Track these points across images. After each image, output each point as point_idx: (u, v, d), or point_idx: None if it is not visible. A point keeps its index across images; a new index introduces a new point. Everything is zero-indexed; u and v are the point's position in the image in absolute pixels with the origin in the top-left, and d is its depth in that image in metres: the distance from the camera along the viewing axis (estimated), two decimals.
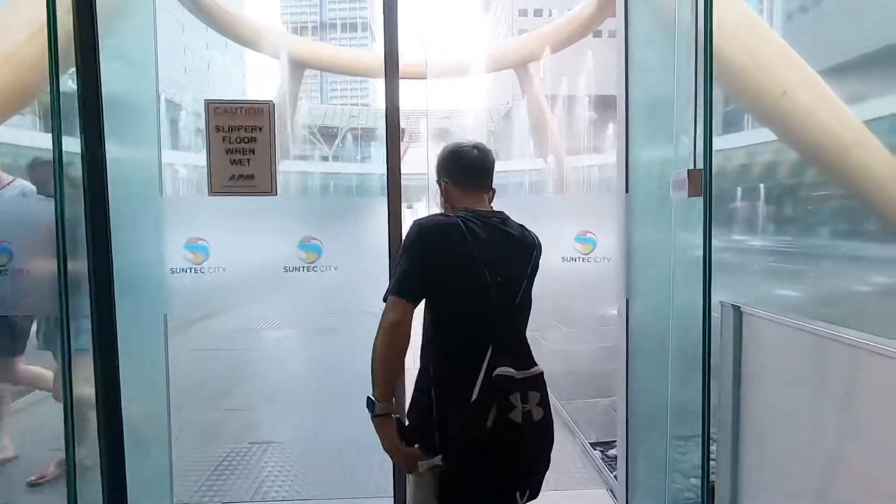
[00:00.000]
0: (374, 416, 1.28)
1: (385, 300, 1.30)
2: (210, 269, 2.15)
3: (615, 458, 2.80)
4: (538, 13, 56.67)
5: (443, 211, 1.52)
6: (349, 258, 2.25)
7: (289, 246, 2.19)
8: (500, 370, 1.22)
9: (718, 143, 2.46)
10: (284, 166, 37.59)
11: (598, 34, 51.74)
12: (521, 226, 1.51)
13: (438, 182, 1.55)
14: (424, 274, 1.30)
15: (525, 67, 28.25)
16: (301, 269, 2.22)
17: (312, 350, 5.92)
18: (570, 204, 3.04)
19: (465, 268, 1.30)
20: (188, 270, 2.16)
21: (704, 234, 1.90)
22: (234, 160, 2.05)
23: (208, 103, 2.05)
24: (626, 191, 2.47)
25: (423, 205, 37.80)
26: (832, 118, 4.69)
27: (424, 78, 30.71)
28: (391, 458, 1.33)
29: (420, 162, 53.34)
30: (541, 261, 1.50)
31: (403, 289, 1.28)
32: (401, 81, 2.07)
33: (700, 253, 1.91)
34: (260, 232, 2.23)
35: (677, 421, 2.17)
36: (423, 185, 44.13)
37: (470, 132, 60.88)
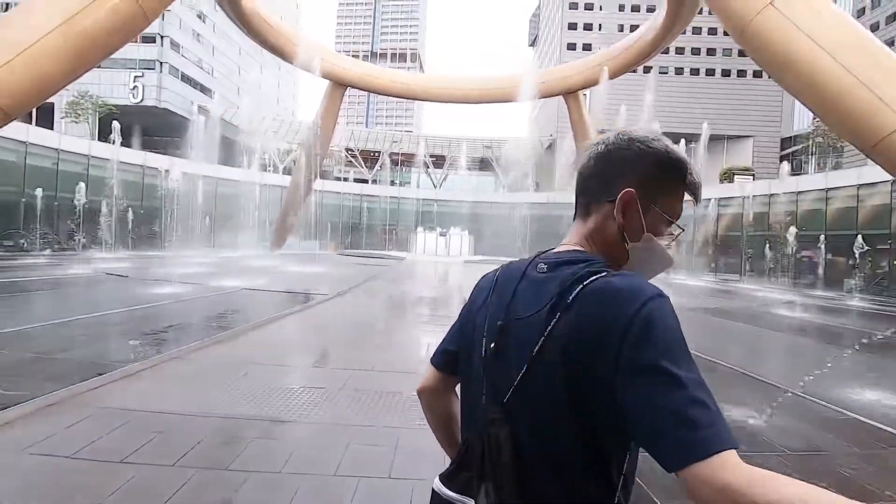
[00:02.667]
0: None
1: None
2: None
3: None
4: (588, 48, 56.29)
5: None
6: None
7: None
8: None
9: None
10: (322, 185, 37.68)
11: (647, 69, 50.96)
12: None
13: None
14: None
15: (575, 95, 27.27)
16: None
17: None
18: None
19: None
20: None
21: None
22: None
23: None
24: None
25: (456, 232, 37.01)
26: None
27: (462, 102, 30.21)
28: None
29: (460, 189, 53.11)
30: None
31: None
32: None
33: None
34: None
35: None
36: (463, 212, 43.60)
37: (512, 162, 60.35)
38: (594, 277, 0.81)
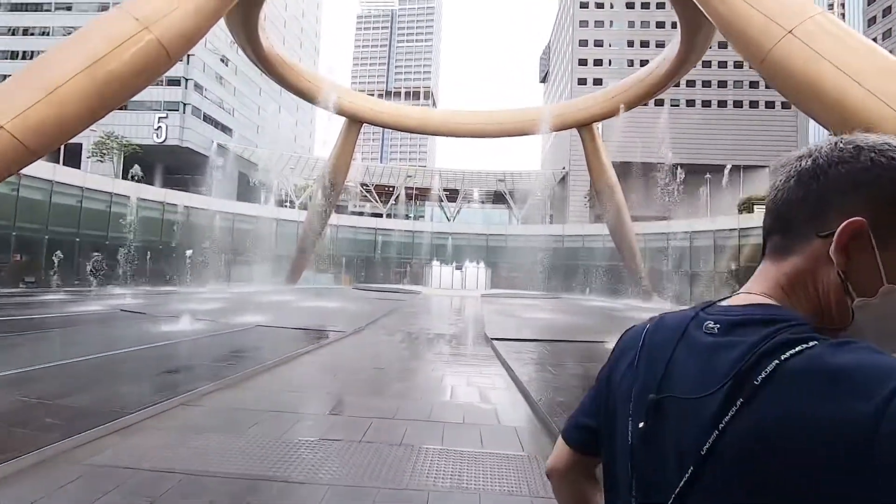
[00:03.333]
0: None
1: None
2: None
3: None
4: (598, 82, 57.10)
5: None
6: None
7: None
8: None
9: None
10: (337, 219, 37.92)
11: (659, 102, 51.32)
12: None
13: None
14: None
15: (589, 127, 27.30)
16: None
17: None
18: None
19: None
20: None
21: None
22: None
23: None
24: None
25: (472, 265, 36.62)
26: None
27: (478, 136, 30.45)
28: None
29: (474, 222, 53.14)
30: None
31: None
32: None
33: None
34: None
35: None
36: (477, 245, 43.38)
37: (526, 195, 60.46)
38: (799, 348, 0.54)
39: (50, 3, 48.14)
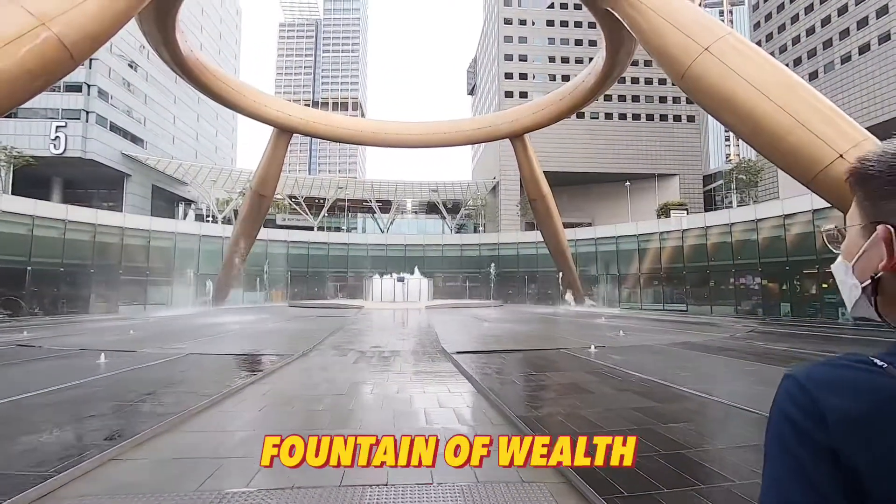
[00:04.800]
0: None
1: None
2: None
3: None
4: (524, 95, 59.25)
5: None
6: None
7: None
8: None
9: None
10: (266, 234, 35.97)
11: (581, 115, 54.07)
12: None
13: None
14: None
15: (521, 137, 28.02)
16: None
17: None
18: None
19: None
20: None
21: None
22: None
23: None
24: None
25: (414, 276, 36.13)
26: None
27: (414, 147, 30.30)
28: None
29: (406, 233, 52.79)
30: None
31: None
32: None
33: None
34: None
35: None
36: (413, 256, 42.95)
37: (457, 204, 61.03)
38: None
39: None
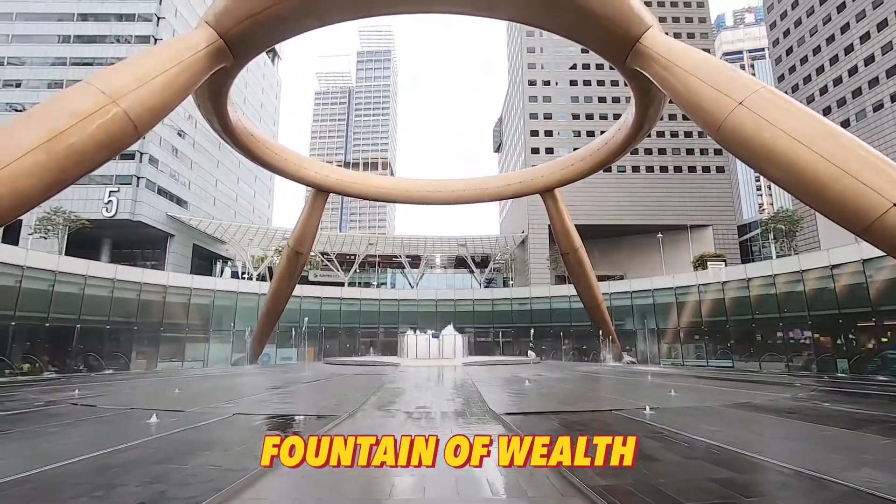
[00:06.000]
0: None
1: None
2: None
3: None
4: (550, 151, 60.59)
5: None
6: None
7: None
8: None
9: None
10: (300, 290, 36.54)
11: (608, 169, 54.61)
12: None
13: None
14: None
15: (552, 192, 28.29)
16: None
17: None
18: None
19: None
20: None
21: None
22: None
23: None
24: None
25: (448, 332, 35.60)
26: None
27: (446, 204, 30.89)
28: None
29: (436, 287, 52.68)
30: None
31: None
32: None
33: None
34: None
35: None
36: (445, 310, 42.64)
37: (486, 258, 61.20)
38: None
39: None
